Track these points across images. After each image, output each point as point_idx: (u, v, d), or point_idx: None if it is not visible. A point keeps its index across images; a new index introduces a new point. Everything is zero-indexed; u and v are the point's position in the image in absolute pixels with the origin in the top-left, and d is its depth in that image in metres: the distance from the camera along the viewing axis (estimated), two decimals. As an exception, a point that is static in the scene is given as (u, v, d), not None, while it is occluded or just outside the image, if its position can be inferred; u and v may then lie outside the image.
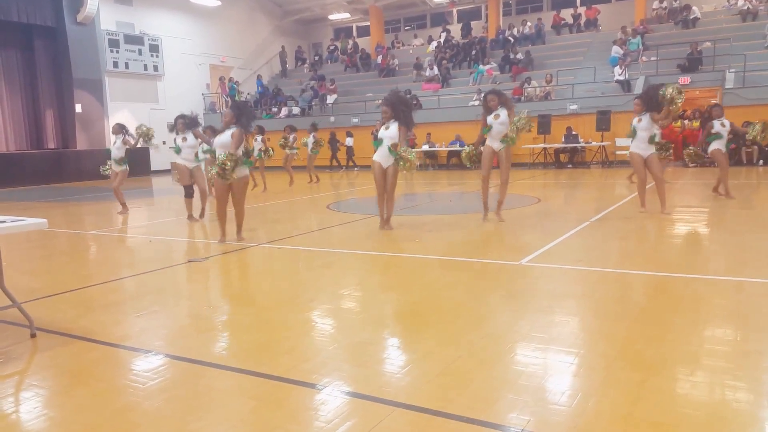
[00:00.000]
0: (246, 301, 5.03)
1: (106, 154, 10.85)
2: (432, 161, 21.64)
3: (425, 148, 21.20)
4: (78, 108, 21.86)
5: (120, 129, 10.73)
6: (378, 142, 7.70)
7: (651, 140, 8.39)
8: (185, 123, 9.15)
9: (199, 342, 3.82)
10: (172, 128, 9.33)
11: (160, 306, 4.73)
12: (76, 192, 16.18)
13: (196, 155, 9.34)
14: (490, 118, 7.96)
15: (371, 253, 6.65)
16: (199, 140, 9.15)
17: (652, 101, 8.36)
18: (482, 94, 19.37)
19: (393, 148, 7.52)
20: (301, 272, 6.02)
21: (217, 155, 7.10)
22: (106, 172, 10.71)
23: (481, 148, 8.14)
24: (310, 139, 16.34)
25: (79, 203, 13.39)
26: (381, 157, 7.63)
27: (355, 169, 21.86)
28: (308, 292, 5.06)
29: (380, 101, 7.88)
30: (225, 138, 7.08)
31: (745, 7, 21.48)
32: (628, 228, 7.65)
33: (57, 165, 20.49)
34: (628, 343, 3.51)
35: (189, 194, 9.30)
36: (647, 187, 8.72)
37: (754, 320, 3.85)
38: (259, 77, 27.96)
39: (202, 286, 5.61)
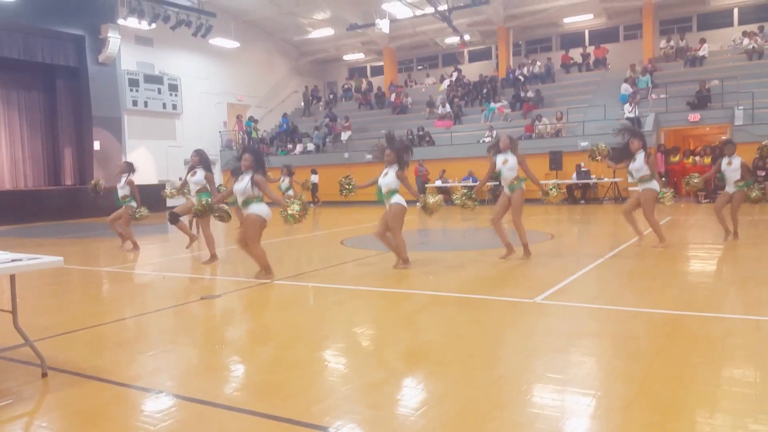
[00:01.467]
0: (258, 339, 5.01)
1: (115, 197, 10.87)
2: (446, 197, 21.67)
3: (438, 183, 21.28)
4: (96, 145, 22.27)
5: (128, 168, 10.84)
6: (378, 192, 7.74)
7: (641, 180, 8.61)
8: (200, 159, 9.18)
9: (211, 382, 3.80)
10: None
11: (173, 345, 4.73)
12: (92, 228, 16.35)
13: (198, 192, 9.05)
14: (499, 162, 8.02)
15: (385, 289, 6.63)
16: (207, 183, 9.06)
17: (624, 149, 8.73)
18: (494, 132, 19.57)
19: (388, 194, 7.59)
20: (314, 309, 6.00)
21: (238, 201, 7.13)
22: (139, 215, 10.72)
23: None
24: (284, 183, 15.92)
25: (95, 240, 13.52)
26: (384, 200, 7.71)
27: (317, 204, 22.05)
28: (321, 330, 5.04)
29: (382, 142, 7.86)
30: (243, 185, 7.02)
31: (751, 47, 21.66)
32: (643, 265, 7.58)
33: (74, 201, 20.78)
34: (646, 383, 3.45)
35: (173, 220, 9.19)
36: (661, 222, 8.66)
37: (775, 361, 3.78)
38: (285, 115, 28.41)
39: (214, 324, 5.60)
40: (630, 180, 8.92)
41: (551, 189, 8.31)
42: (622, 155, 8.89)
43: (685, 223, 12.53)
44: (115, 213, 10.96)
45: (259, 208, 7.05)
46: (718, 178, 9.90)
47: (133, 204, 10.69)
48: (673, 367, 3.71)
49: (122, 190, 10.71)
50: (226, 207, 7.81)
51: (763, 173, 17.06)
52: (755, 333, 4.47)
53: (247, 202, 7.05)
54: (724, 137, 19.86)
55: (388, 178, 7.62)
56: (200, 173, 9.06)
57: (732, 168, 9.22)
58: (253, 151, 7.34)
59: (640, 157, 8.59)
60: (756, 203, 9.31)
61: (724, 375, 3.60)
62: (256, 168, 7.08)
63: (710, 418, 2.97)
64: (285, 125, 27.63)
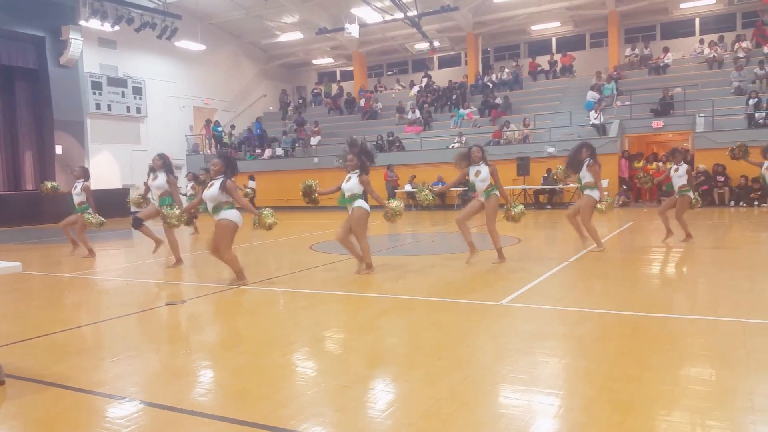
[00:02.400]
0: (224, 344, 4.96)
1: (70, 204, 10.55)
2: (414, 202, 21.77)
3: (408, 188, 21.36)
4: (58, 149, 21.79)
5: (83, 174, 10.56)
6: (342, 197, 7.71)
7: (584, 186, 9.01)
8: (162, 162, 8.99)
9: (176, 388, 3.76)
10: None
11: (137, 351, 4.65)
12: (53, 234, 15.96)
13: (161, 197, 8.95)
14: (471, 174, 8.11)
15: (353, 294, 6.64)
16: (170, 187, 8.91)
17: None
18: (464, 137, 19.75)
19: (350, 199, 7.58)
20: (282, 314, 5.97)
21: (208, 207, 7.02)
22: (97, 224, 10.42)
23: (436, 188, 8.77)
24: (188, 189, 15.29)
25: (56, 245, 13.21)
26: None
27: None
28: (289, 335, 5.02)
29: (346, 148, 7.81)
30: (213, 191, 6.90)
31: (711, 56, 22.32)
32: (606, 268, 7.74)
33: (34, 207, 20.27)
34: (608, 383, 3.52)
35: (136, 225, 9.04)
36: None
37: (729, 359, 3.89)
38: (258, 119, 28.16)
39: (180, 330, 5.53)
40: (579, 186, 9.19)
41: (514, 207, 8.36)
42: (574, 164, 9.16)
43: (647, 227, 12.81)
44: (68, 218, 10.66)
45: (230, 214, 6.95)
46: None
47: (89, 212, 10.37)
48: (633, 367, 3.80)
49: (78, 197, 10.39)
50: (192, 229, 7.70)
51: (722, 179, 17.56)
52: (713, 333, 4.60)
53: (217, 208, 6.94)
54: (686, 144, 20.42)
55: (351, 183, 7.59)
56: (162, 177, 8.91)
57: (678, 174, 9.64)
58: (223, 156, 7.28)
59: (585, 165, 8.96)
60: (692, 209, 9.78)
61: (682, 374, 3.70)
62: (226, 173, 7.00)
63: (668, 416, 3.05)
64: (258, 129, 27.40)
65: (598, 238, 9.04)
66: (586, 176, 8.98)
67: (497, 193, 8.07)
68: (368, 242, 7.81)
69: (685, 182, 9.56)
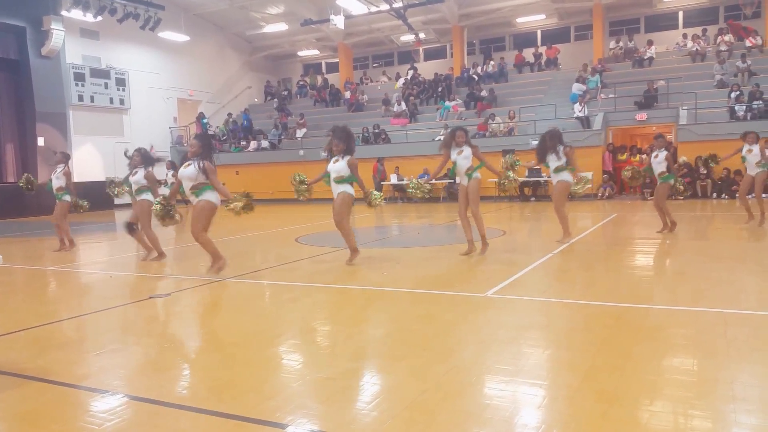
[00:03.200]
0: (209, 337, 4.94)
1: (48, 189, 10.35)
2: (401, 194, 21.80)
3: (394, 180, 21.36)
4: (40, 141, 21.50)
5: (64, 158, 10.39)
6: (327, 175, 7.70)
7: (556, 170, 9.00)
8: (141, 158, 8.84)
9: (160, 381, 3.74)
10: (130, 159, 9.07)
11: (120, 344, 4.62)
12: (37, 227, 15.80)
13: (138, 190, 8.77)
14: (454, 154, 8.09)
15: (338, 286, 6.64)
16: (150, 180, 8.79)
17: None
18: (449, 129, 19.80)
19: (338, 180, 7.57)
20: (268, 307, 5.96)
21: (185, 187, 7.00)
22: (81, 208, 10.37)
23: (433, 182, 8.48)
24: (169, 177, 14.53)
25: (39, 238, 13.07)
26: (333, 188, 7.68)
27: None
28: (274, 328, 5.01)
29: (329, 133, 7.84)
30: (190, 171, 6.89)
31: (694, 49, 22.50)
32: (590, 259, 7.80)
33: (16, 199, 20.00)
34: (591, 373, 3.56)
35: (130, 231, 8.86)
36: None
37: (711, 349, 3.94)
38: (246, 111, 27.93)
39: (163, 323, 5.50)
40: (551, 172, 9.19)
41: (509, 175, 8.46)
42: (541, 154, 9.17)
43: (631, 219, 12.92)
44: (56, 213, 10.37)
45: (211, 195, 6.92)
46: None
47: (68, 198, 10.20)
48: (617, 357, 3.84)
49: (58, 181, 10.16)
50: (178, 216, 7.57)
51: (705, 171, 17.74)
52: (694, 323, 4.65)
53: (197, 190, 6.90)
54: (669, 136, 20.59)
55: (338, 164, 7.56)
56: (141, 173, 8.74)
57: (657, 161, 9.71)
58: (201, 137, 7.25)
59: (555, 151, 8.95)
60: (680, 196, 9.90)
61: (664, 364, 3.74)
62: (203, 155, 6.95)
63: (651, 405, 3.08)
64: (246, 121, 27.21)
65: (567, 226, 9.01)
66: (553, 161, 8.93)
67: (479, 176, 8.07)
68: (352, 230, 7.80)
69: (665, 169, 9.61)
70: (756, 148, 10.23)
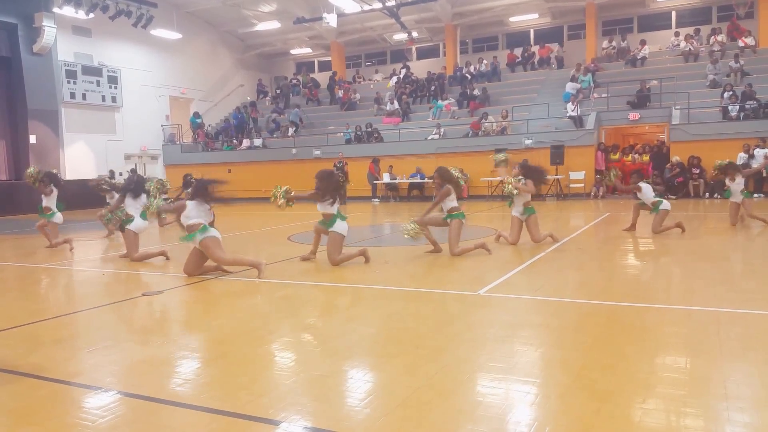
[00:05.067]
0: (202, 335, 4.93)
1: (40, 212, 10.52)
2: (393, 193, 21.81)
3: (386, 179, 21.36)
4: (32, 139, 21.39)
5: (48, 179, 10.45)
6: (322, 221, 7.87)
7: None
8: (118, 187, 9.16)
9: (153, 378, 3.73)
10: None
11: (113, 341, 4.60)
12: (29, 224, 15.69)
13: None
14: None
15: (332, 284, 6.63)
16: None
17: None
18: (442, 129, 19.79)
19: (326, 218, 7.73)
20: (260, 305, 5.95)
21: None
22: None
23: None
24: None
25: (31, 236, 12.98)
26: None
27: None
28: (267, 325, 5.00)
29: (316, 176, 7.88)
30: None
31: (687, 49, 22.60)
32: (583, 258, 7.83)
33: (9, 197, 19.91)
34: (584, 371, 3.57)
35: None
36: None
37: (702, 347, 3.97)
38: (237, 109, 27.84)
39: (156, 320, 5.48)
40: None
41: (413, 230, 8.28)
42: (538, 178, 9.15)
43: (623, 219, 12.96)
44: (51, 230, 10.50)
45: (210, 232, 7.10)
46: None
47: (56, 217, 10.40)
48: (609, 356, 3.86)
49: (46, 201, 10.42)
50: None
51: (697, 171, 17.84)
52: (686, 322, 4.68)
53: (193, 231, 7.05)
54: (661, 136, 20.69)
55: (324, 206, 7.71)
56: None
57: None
58: (186, 183, 7.43)
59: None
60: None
61: (657, 362, 3.76)
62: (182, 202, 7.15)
63: (643, 403, 3.10)
64: (236, 120, 27.13)
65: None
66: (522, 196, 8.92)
67: (461, 219, 8.11)
68: (347, 254, 7.77)
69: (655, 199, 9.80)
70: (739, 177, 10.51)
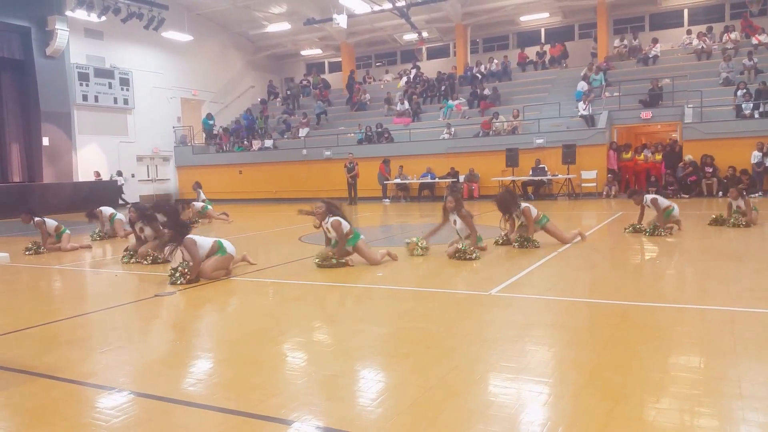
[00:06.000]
0: (214, 335, 4.95)
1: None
2: (404, 193, 21.80)
3: (397, 180, 21.35)
4: (45, 141, 21.60)
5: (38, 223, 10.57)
6: (332, 243, 7.85)
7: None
8: (138, 214, 9.03)
9: (166, 378, 3.75)
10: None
11: (126, 341, 4.63)
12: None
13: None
14: (451, 221, 8.28)
15: (343, 285, 6.64)
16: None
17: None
18: (452, 129, 19.71)
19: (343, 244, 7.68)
20: (272, 305, 5.96)
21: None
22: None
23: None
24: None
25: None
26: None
27: None
28: (279, 325, 5.01)
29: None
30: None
31: (700, 47, 22.41)
32: (595, 258, 7.78)
33: (22, 198, 20.08)
34: (596, 371, 3.55)
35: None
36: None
37: (716, 347, 3.93)
38: (247, 111, 27.95)
39: (169, 321, 5.51)
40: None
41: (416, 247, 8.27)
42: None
43: (635, 218, 12.86)
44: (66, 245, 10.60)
45: (228, 248, 7.24)
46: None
47: (63, 235, 10.56)
48: (622, 355, 3.83)
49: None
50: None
51: (710, 170, 17.69)
52: (700, 321, 4.64)
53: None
54: (674, 135, 20.54)
55: (330, 227, 7.72)
56: (148, 231, 8.89)
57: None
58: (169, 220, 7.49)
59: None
60: None
61: (670, 362, 3.73)
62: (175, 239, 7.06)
63: (657, 403, 3.07)
64: (246, 121, 27.23)
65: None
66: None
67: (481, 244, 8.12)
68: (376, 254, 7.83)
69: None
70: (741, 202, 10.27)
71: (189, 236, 6.99)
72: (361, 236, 7.75)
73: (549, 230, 8.77)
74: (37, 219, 10.52)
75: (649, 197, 9.83)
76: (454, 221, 8.22)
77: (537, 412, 3.03)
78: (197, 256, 6.89)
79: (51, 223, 10.53)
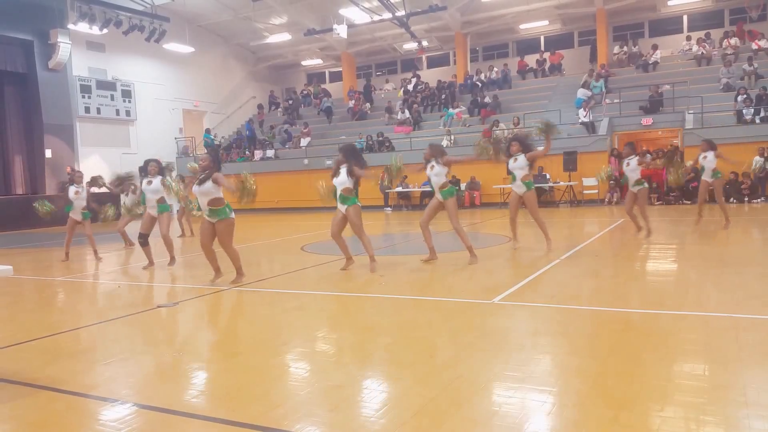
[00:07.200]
0: (216, 346, 4.95)
1: (66, 211, 10.78)
2: (406, 202, 21.80)
3: (399, 189, 21.36)
4: (48, 153, 21.64)
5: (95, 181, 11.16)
6: (333, 191, 7.94)
7: (524, 180, 8.95)
8: (159, 168, 9.21)
9: (168, 390, 3.74)
10: (143, 170, 9.50)
11: (129, 353, 4.63)
12: (45, 238, 15.89)
13: (160, 203, 9.06)
14: (427, 170, 8.23)
15: (344, 294, 6.63)
16: (165, 190, 9.14)
17: (526, 142, 9.22)
18: (452, 137, 19.78)
19: (345, 193, 7.75)
20: (274, 315, 5.95)
21: (202, 204, 7.13)
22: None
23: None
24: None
25: (47, 249, 13.14)
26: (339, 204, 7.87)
27: None
28: (281, 336, 5.00)
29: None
30: (207, 187, 7.02)
31: (699, 53, 22.45)
32: (598, 265, 7.77)
33: (25, 211, 20.04)
34: (601, 379, 3.54)
35: (144, 243, 9.07)
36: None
37: (721, 354, 3.91)
38: (249, 121, 27.99)
39: (171, 332, 5.51)
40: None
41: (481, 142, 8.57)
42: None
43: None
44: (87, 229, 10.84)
45: (227, 212, 7.13)
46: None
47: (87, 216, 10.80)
48: (626, 363, 3.82)
49: (82, 202, 10.76)
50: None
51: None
52: (704, 328, 4.62)
53: (213, 211, 7.06)
54: (675, 141, 20.52)
55: (341, 177, 7.80)
56: (156, 182, 9.07)
57: (630, 168, 9.78)
58: (210, 151, 7.49)
59: (521, 158, 8.94)
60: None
61: (675, 369, 3.71)
62: (214, 168, 7.13)
63: (662, 411, 3.06)
64: (249, 131, 27.26)
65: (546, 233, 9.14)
66: (525, 168, 8.94)
67: (454, 193, 8.16)
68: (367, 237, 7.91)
69: (639, 175, 9.67)
70: (710, 155, 10.57)
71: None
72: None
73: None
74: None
75: (634, 160, 9.82)
76: (431, 167, 8.12)
77: (541, 422, 3.02)
78: (226, 183, 7.03)
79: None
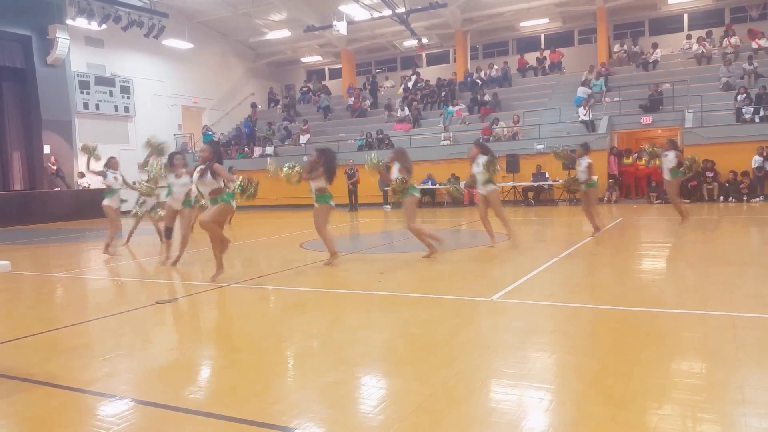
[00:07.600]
0: (215, 342, 4.95)
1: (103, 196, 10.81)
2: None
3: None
4: (46, 149, 21.61)
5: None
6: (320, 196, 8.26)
7: (484, 181, 9.22)
8: (185, 161, 9.22)
9: (167, 386, 3.74)
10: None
11: (127, 349, 4.63)
12: (44, 234, 15.87)
13: (187, 197, 8.99)
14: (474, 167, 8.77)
15: (344, 291, 6.63)
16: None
17: (484, 146, 9.55)
18: (451, 134, 19.83)
19: (318, 192, 8.14)
20: (273, 312, 5.96)
21: (204, 194, 7.27)
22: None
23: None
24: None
25: (46, 245, 13.13)
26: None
27: None
28: (279, 332, 5.01)
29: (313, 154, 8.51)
30: (208, 178, 7.08)
31: (700, 51, 22.44)
32: (596, 263, 7.78)
33: (24, 207, 20.11)
34: (599, 377, 3.54)
35: (168, 235, 9.17)
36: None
37: (718, 352, 3.92)
38: (248, 118, 27.96)
39: (169, 328, 5.51)
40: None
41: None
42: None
43: (636, 223, 12.88)
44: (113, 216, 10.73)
45: (228, 199, 7.22)
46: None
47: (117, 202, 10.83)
48: (624, 361, 3.82)
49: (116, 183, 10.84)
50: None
51: (711, 174, 17.69)
52: (702, 327, 4.63)
53: (217, 196, 7.13)
54: (674, 138, 20.52)
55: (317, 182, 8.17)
56: (186, 176, 8.71)
57: (580, 169, 9.93)
58: (210, 143, 7.50)
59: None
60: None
61: (672, 367, 3.72)
62: (213, 159, 7.15)
63: (659, 409, 3.06)
64: (247, 129, 27.23)
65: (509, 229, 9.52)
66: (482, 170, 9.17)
67: (414, 194, 8.80)
68: (329, 233, 8.25)
69: (587, 176, 9.84)
70: (671, 155, 10.64)
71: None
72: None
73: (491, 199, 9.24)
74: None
75: (585, 162, 9.92)
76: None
77: (539, 419, 3.02)
78: (227, 176, 7.13)
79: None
